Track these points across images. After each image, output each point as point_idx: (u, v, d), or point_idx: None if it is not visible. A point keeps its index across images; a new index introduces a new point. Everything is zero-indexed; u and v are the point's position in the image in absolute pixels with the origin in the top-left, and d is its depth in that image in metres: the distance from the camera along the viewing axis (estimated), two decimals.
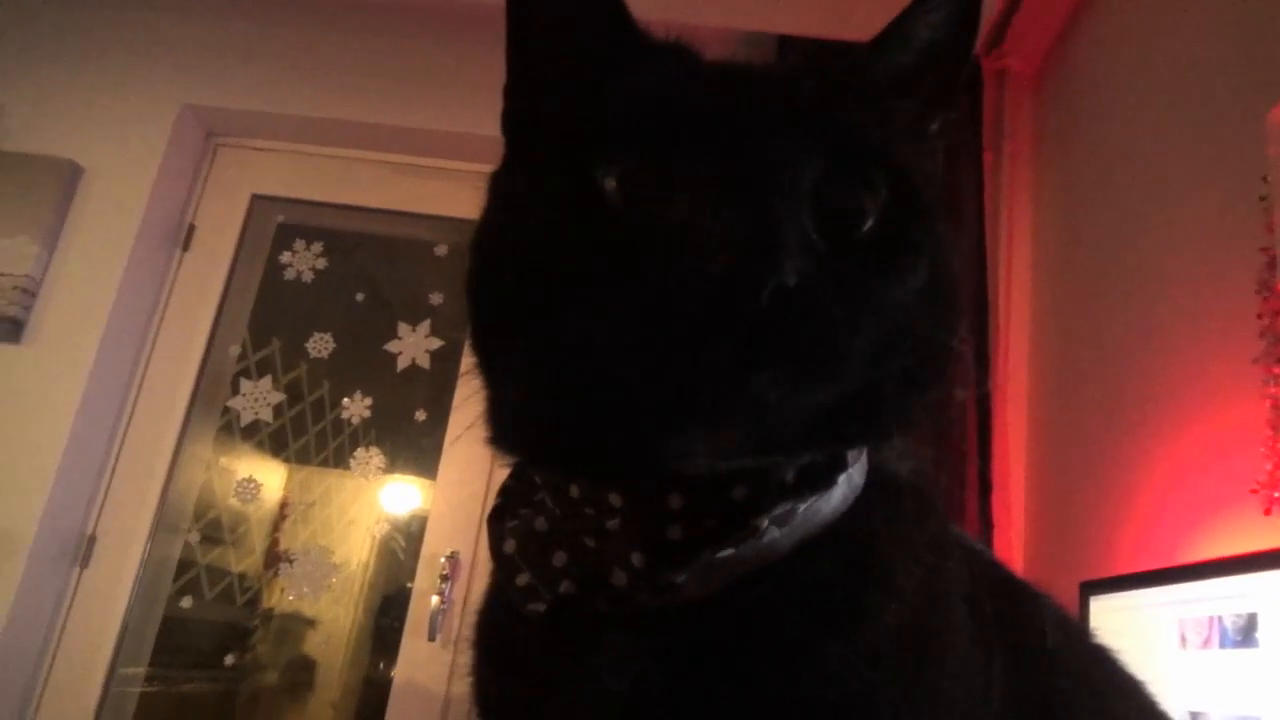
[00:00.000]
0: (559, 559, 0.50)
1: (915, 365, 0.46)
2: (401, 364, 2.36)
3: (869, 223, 0.46)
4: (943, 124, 0.55)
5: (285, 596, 2.33)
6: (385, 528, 2.37)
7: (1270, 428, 1.15)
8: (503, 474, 0.58)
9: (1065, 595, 1.49)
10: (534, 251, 0.46)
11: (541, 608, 0.49)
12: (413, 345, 2.37)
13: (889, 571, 0.48)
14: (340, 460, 2.38)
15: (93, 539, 2.24)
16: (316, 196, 2.54)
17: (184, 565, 2.30)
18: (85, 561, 2.23)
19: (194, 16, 2.51)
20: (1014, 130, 2.29)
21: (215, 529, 2.36)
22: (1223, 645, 1.08)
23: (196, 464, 2.36)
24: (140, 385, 2.37)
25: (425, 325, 2.38)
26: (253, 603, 2.36)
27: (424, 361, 2.36)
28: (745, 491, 0.47)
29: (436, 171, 2.49)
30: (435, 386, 2.33)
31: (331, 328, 2.41)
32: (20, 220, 2.28)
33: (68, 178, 2.34)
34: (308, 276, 2.47)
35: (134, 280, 2.34)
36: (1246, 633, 1.04)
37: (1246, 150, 1.31)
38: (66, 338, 2.25)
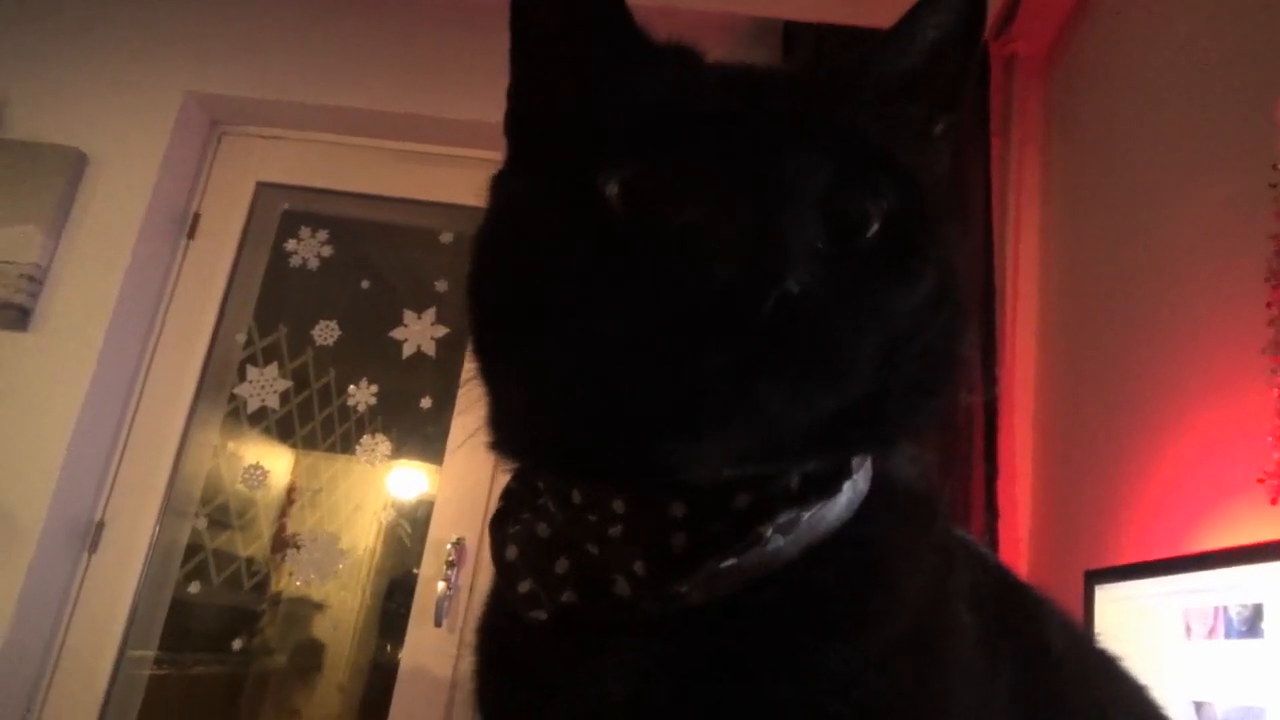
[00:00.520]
0: (561, 566, 0.49)
1: (921, 372, 0.46)
2: (407, 351, 2.37)
3: (875, 228, 0.45)
4: (948, 126, 0.55)
5: (293, 581, 2.34)
6: (391, 514, 2.38)
7: (1278, 417, 1.15)
8: None
9: (1070, 584, 1.49)
10: (536, 256, 0.46)
11: (543, 616, 0.49)
12: (418, 332, 2.37)
13: (894, 578, 0.48)
14: (347, 446, 2.39)
15: (101, 525, 2.26)
16: (321, 184, 2.54)
17: (192, 550, 2.32)
18: (94, 547, 2.24)
19: (198, 4, 2.51)
20: (1022, 116, 2.28)
21: (223, 514, 2.37)
22: (1228, 636, 1.08)
23: (204, 450, 2.38)
24: (147, 373, 2.37)
25: (430, 313, 2.38)
26: (261, 587, 2.38)
27: (429, 349, 2.36)
28: (749, 499, 0.47)
29: (442, 158, 2.48)
30: (441, 374, 2.34)
31: (337, 315, 2.41)
32: (26, 209, 2.28)
33: (73, 166, 2.34)
34: (313, 264, 2.47)
35: (140, 268, 2.35)
36: (1252, 623, 1.04)
37: (1257, 137, 1.30)
38: (73, 326, 2.26)
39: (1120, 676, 0.64)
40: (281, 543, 2.38)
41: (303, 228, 2.50)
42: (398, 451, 2.35)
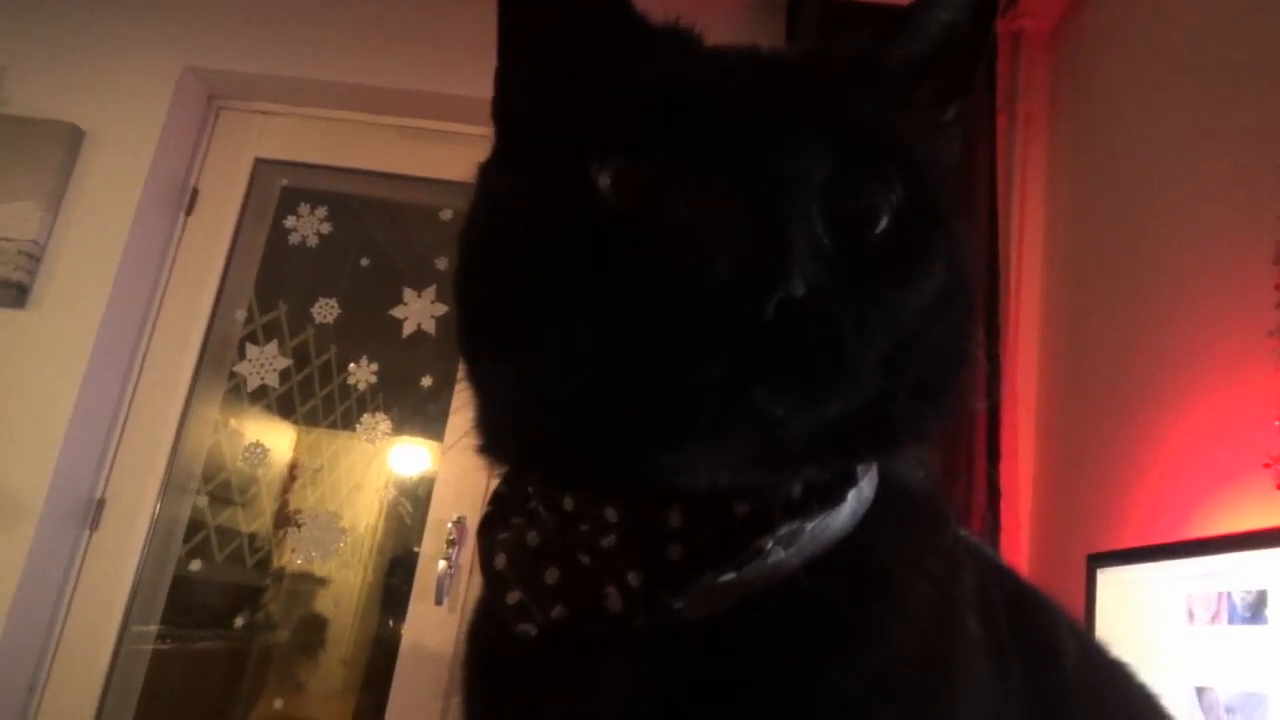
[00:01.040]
0: (551, 576, 0.47)
1: (930, 375, 0.44)
2: (407, 329, 2.36)
3: (882, 224, 0.43)
4: (959, 111, 0.52)
5: (295, 559, 2.35)
6: (393, 493, 2.38)
7: None
8: None
9: (1071, 567, 1.48)
10: (524, 252, 0.44)
11: (533, 631, 0.47)
12: (419, 311, 2.36)
13: (901, 592, 0.46)
14: (348, 424, 2.38)
15: (102, 503, 2.26)
16: (320, 160, 2.51)
17: (194, 526, 2.32)
18: (95, 525, 2.24)
19: None
20: (1028, 93, 2.25)
21: (225, 490, 2.37)
22: (1231, 621, 1.07)
23: (205, 426, 2.37)
24: (147, 350, 2.36)
25: (431, 291, 2.36)
26: (264, 563, 2.38)
27: (430, 327, 2.35)
28: (748, 508, 0.44)
29: (442, 135, 2.45)
30: (441, 352, 2.32)
31: (336, 293, 2.40)
32: (23, 185, 2.26)
33: (70, 141, 2.32)
34: (312, 241, 2.45)
35: (138, 244, 2.33)
36: (1256, 609, 1.04)
37: (1265, 115, 1.29)
38: (72, 302, 2.24)
39: (1133, 686, 0.62)
40: (284, 519, 2.38)
41: (302, 204, 2.47)
42: (398, 430, 2.34)
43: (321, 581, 2.41)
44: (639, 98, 0.44)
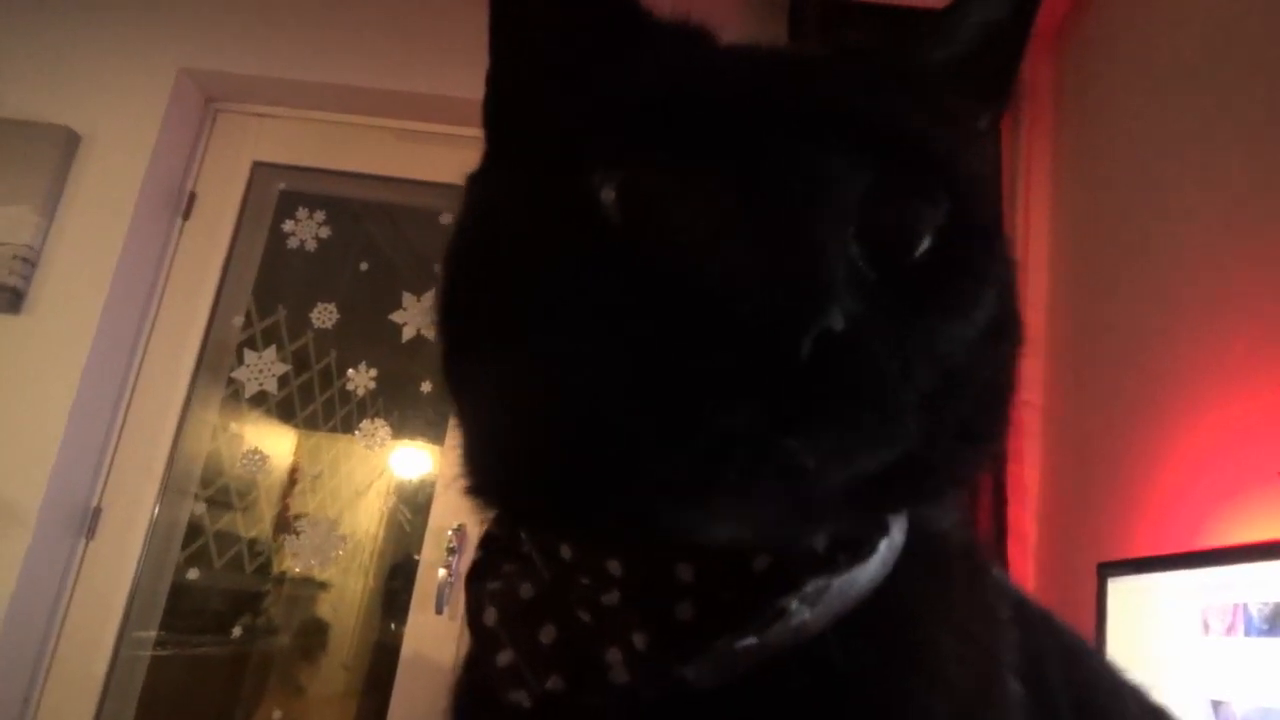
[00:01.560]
0: (547, 635, 0.42)
1: (975, 414, 0.39)
2: (407, 334, 2.34)
3: (924, 245, 0.38)
4: (994, 120, 0.48)
5: (294, 565, 2.33)
6: (392, 500, 2.36)
7: None
8: None
9: (1081, 576, 1.46)
10: (517, 274, 0.39)
11: (526, 702, 0.41)
12: (418, 315, 2.34)
13: (937, 658, 0.41)
14: (348, 429, 2.36)
15: (98, 511, 2.23)
16: (319, 163, 2.49)
17: (193, 532, 2.30)
18: (91, 533, 2.22)
19: None
20: (1033, 94, 2.23)
21: (224, 495, 2.35)
22: (1248, 633, 1.05)
23: (203, 431, 2.35)
24: (144, 356, 2.34)
25: (430, 295, 2.34)
26: (264, 568, 2.36)
27: (429, 332, 2.33)
28: (768, 560, 0.39)
29: (441, 138, 2.43)
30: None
31: (335, 297, 2.38)
32: (18, 189, 2.24)
33: (65, 145, 2.29)
34: (311, 245, 2.43)
35: (135, 249, 2.31)
36: (1273, 622, 1.02)
37: (1275, 113, 1.26)
38: (68, 307, 2.22)
39: None
40: (284, 523, 2.36)
41: (300, 208, 2.45)
42: (397, 436, 2.32)
43: (322, 586, 2.39)
44: (648, 99, 0.39)
